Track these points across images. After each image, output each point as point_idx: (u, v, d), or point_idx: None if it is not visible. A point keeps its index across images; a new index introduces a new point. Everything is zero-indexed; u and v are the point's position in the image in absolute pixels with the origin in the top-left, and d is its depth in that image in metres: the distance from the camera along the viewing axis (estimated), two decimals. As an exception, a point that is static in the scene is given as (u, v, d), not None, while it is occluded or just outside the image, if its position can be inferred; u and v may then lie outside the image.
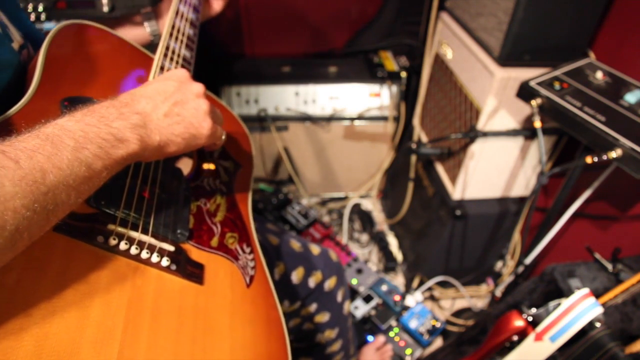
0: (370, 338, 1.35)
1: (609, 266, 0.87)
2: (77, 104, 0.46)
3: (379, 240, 1.72)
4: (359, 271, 1.51)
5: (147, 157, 0.48)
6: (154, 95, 0.50)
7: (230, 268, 0.57)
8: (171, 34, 0.70)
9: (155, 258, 0.48)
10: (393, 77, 1.56)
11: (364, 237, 1.76)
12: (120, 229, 0.48)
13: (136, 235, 0.49)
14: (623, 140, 0.78)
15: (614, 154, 0.78)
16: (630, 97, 0.88)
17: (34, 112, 0.48)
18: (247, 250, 0.62)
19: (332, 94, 1.57)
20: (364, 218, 1.81)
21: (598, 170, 0.97)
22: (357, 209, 1.84)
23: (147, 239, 0.50)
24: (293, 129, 1.62)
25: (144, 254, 0.48)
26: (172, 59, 0.67)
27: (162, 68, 0.64)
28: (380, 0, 1.61)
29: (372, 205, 1.90)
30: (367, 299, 1.43)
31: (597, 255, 0.89)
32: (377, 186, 1.87)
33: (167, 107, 0.50)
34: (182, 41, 0.71)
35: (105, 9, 1.27)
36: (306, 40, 1.70)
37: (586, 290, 0.75)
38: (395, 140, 1.67)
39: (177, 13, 0.74)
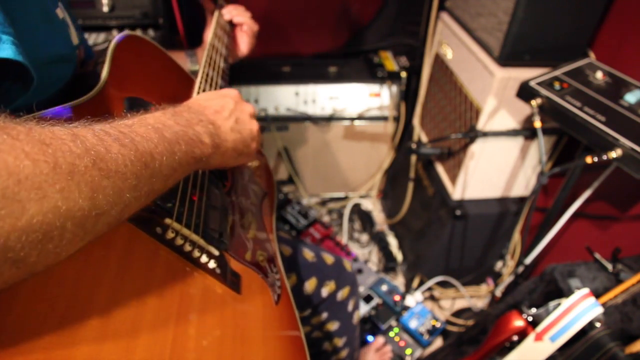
0: (370, 338, 1.35)
1: (609, 266, 0.87)
2: (136, 104, 0.53)
3: (379, 240, 1.72)
4: (359, 271, 1.51)
5: (210, 163, 0.51)
6: (220, 110, 0.54)
7: (261, 284, 0.58)
8: (209, 64, 0.76)
9: (204, 259, 0.50)
10: (393, 77, 1.56)
11: (364, 237, 1.76)
12: (176, 225, 0.49)
13: (188, 233, 0.50)
14: (623, 140, 0.78)
15: (614, 154, 0.78)
16: (630, 97, 0.88)
17: (101, 103, 0.53)
18: (274, 270, 0.64)
19: (332, 94, 1.57)
20: (364, 218, 1.81)
21: (598, 170, 0.97)
22: (357, 209, 1.84)
23: (197, 239, 0.51)
24: (293, 129, 1.62)
25: (196, 253, 0.49)
26: (210, 84, 0.71)
27: (203, 90, 0.68)
28: (380, 0, 1.61)
29: (372, 205, 1.89)
30: (367, 299, 1.43)
31: (597, 255, 0.89)
32: (377, 186, 1.87)
33: (232, 122, 0.54)
34: (217, 71, 0.77)
35: (105, 9, 1.27)
36: (306, 40, 1.70)
37: (586, 290, 0.75)
38: (395, 140, 1.67)
39: (213, 47, 0.83)
